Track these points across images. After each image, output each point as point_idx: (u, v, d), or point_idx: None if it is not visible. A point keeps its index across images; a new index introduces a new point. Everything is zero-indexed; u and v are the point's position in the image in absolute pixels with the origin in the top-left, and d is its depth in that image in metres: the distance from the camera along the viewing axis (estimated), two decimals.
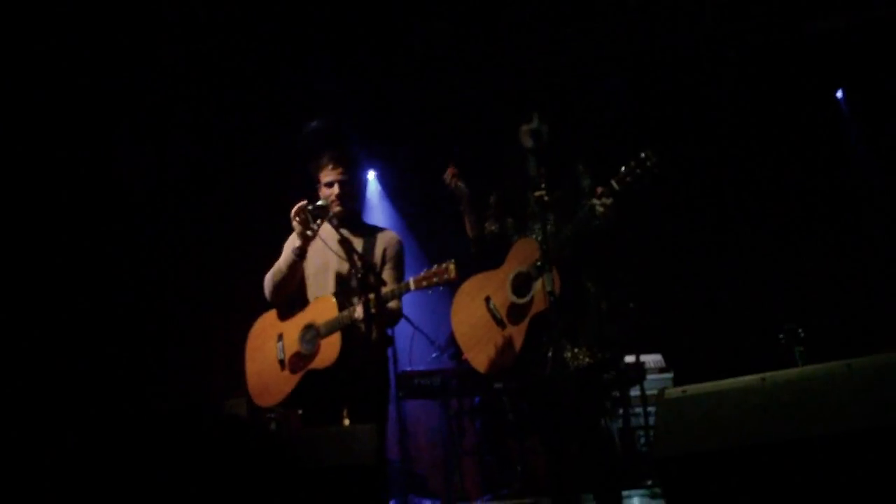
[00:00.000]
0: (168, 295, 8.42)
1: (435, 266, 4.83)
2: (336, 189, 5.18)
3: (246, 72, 8.14)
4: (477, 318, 5.09)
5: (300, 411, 5.27)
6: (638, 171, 4.53)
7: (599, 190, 4.65)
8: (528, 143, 4.84)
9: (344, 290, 5.11)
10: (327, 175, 5.21)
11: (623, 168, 4.58)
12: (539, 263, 4.74)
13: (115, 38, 7.34)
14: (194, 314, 8.49)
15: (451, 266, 4.79)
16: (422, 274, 4.87)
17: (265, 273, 5.28)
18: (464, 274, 5.01)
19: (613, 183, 4.59)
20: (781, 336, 6.38)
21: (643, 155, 4.54)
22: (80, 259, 7.68)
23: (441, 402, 7.79)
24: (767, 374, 3.13)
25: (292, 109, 8.50)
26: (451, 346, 7.69)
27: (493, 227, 5.21)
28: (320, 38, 7.94)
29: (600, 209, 4.61)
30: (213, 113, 8.41)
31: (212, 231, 8.65)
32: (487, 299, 5.05)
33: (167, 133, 8.40)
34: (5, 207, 7.17)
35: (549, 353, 4.70)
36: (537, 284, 4.76)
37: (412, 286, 4.88)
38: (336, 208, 5.17)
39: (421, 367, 7.81)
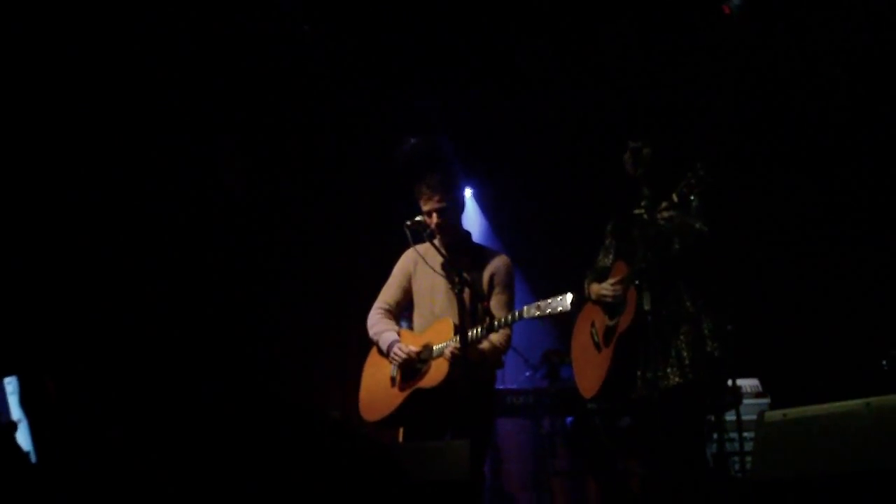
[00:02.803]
0: (268, 309, 8.55)
1: (551, 298, 4.81)
2: (435, 218, 5.20)
3: (349, 86, 8.23)
4: (584, 342, 5.14)
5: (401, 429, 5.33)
6: (694, 181, 4.48)
7: (663, 205, 4.63)
8: (629, 165, 4.83)
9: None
10: (426, 203, 5.23)
11: (682, 181, 4.54)
12: (619, 280, 4.74)
13: (223, 53, 7.51)
14: (291, 329, 8.60)
15: (567, 299, 4.75)
16: (536, 304, 4.85)
17: (369, 290, 5.38)
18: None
19: (673, 196, 4.56)
20: (884, 362, 6.23)
21: (697, 165, 4.50)
22: (188, 266, 7.86)
23: (533, 422, 7.77)
24: (872, 399, 3.07)
25: (394, 123, 8.59)
26: (545, 365, 7.69)
27: (606, 261, 5.20)
28: (422, 53, 8.01)
29: (662, 223, 4.58)
30: (318, 128, 8.53)
31: (317, 245, 8.77)
32: (592, 324, 5.07)
33: (273, 147, 8.54)
34: (114, 221, 7.38)
35: (638, 374, 4.67)
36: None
37: (525, 315, 4.87)
38: (437, 237, 5.20)
39: (514, 386, 7.81)
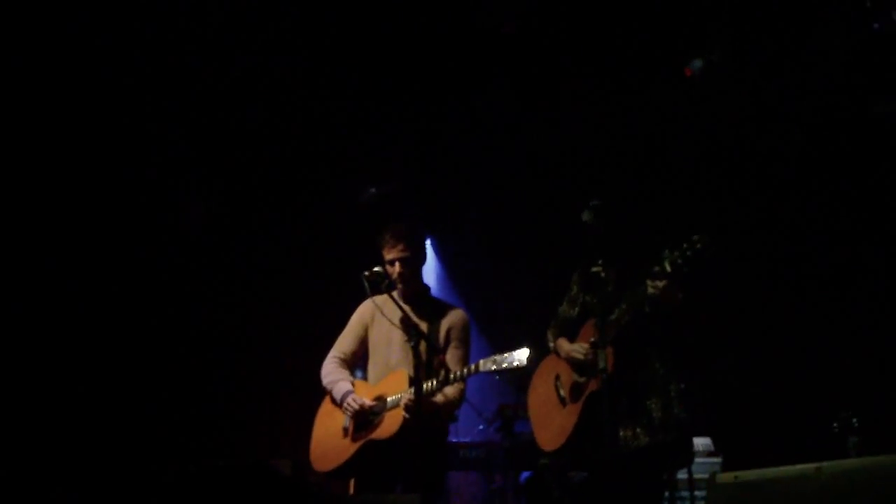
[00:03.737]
0: (219, 354, 8.47)
1: (507, 353, 4.78)
2: (397, 268, 5.19)
3: (311, 133, 8.24)
4: (545, 395, 5.11)
5: (352, 480, 5.28)
6: (689, 253, 4.50)
7: (656, 269, 4.63)
8: (588, 217, 4.84)
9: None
10: (389, 252, 5.21)
11: (676, 251, 4.54)
12: (593, 340, 4.72)
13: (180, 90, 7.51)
14: (241, 375, 8.53)
15: (524, 354, 4.72)
16: (492, 357, 4.82)
17: (321, 337, 5.35)
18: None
19: (666, 265, 4.56)
20: (835, 425, 6.26)
21: (695, 237, 4.51)
22: (125, 311, 7.79)
23: (485, 476, 7.73)
24: (823, 464, 3.08)
25: (354, 170, 8.60)
26: (499, 419, 7.66)
27: (572, 312, 5.20)
28: (385, 103, 8.04)
29: (652, 290, 4.59)
30: (279, 175, 8.52)
31: (273, 291, 8.72)
32: (557, 377, 5.06)
33: (233, 191, 8.52)
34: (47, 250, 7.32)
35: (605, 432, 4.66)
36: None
37: (481, 369, 4.84)
38: (398, 286, 5.19)
39: (467, 439, 7.77)
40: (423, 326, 5.06)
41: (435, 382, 4.87)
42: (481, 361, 4.83)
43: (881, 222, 8.34)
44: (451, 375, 4.91)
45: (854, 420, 6.23)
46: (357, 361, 5.40)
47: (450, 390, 5.04)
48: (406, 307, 5.03)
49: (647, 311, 4.69)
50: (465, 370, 4.90)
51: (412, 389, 4.75)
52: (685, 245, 4.51)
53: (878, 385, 7.80)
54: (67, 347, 7.37)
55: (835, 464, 3.09)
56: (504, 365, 4.75)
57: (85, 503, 3.77)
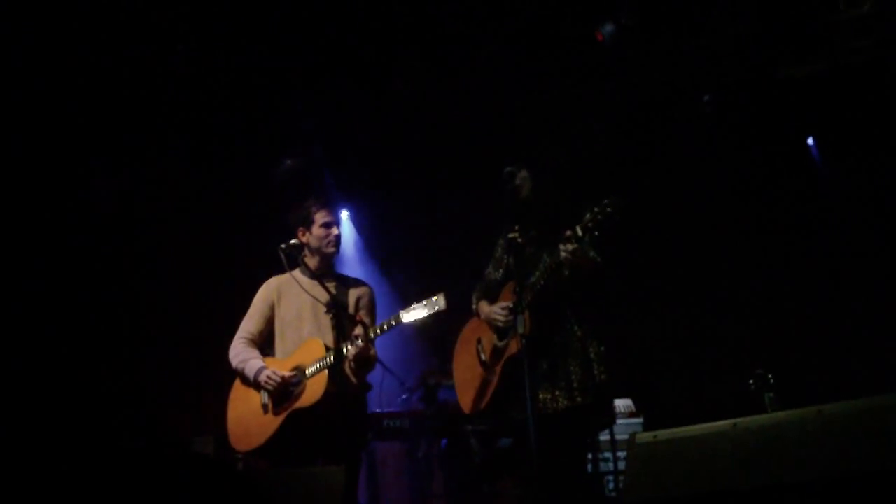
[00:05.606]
0: (137, 327, 8.34)
1: (426, 300, 4.84)
2: (335, 230, 5.25)
3: (224, 104, 8.10)
4: (468, 359, 5.13)
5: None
6: (600, 217, 4.51)
7: (567, 234, 4.65)
8: (505, 183, 4.84)
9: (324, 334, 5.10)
10: (326, 216, 5.26)
11: (587, 214, 4.56)
12: (511, 306, 4.73)
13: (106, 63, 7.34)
14: (163, 349, 8.40)
15: (441, 298, 4.81)
16: (412, 306, 4.86)
17: (237, 311, 5.29)
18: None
19: (578, 229, 4.58)
20: (751, 381, 6.37)
21: (606, 201, 4.53)
22: (54, 284, 7.63)
23: (410, 445, 7.73)
24: (739, 420, 3.12)
25: (267, 141, 8.50)
26: (421, 388, 7.66)
27: (495, 275, 5.21)
28: (298, 70, 7.93)
29: (564, 254, 4.60)
30: (189, 144, 8.37)
31: (184, 265, 8.59)
32: (479, 341, 5.06)
33: (146, 157, 8.35)
34: None
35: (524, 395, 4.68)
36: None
37: (402, 319, 4.87)
38: (331, 249, 5.24)
39: (391, 409, 7.75)
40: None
41: (358, 342, 4.89)
42: (401, 312, 4.88)
43: (788, 181, 8.52)
44: (372, 331, 4.92)
45: (769, 377, 6.33)
46: (264, 341, 5.36)
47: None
48: (314, 281, 5.03)
49: (565, 275, 4.71)
50: (385, 324, 4.95)
51: (359, 341, 4.83)
52: (596, 209, 4.52)
53: (792, 342, 7.98)
54: None
55: (750, 419, 3.14)
56: (425, 312, 4.80)
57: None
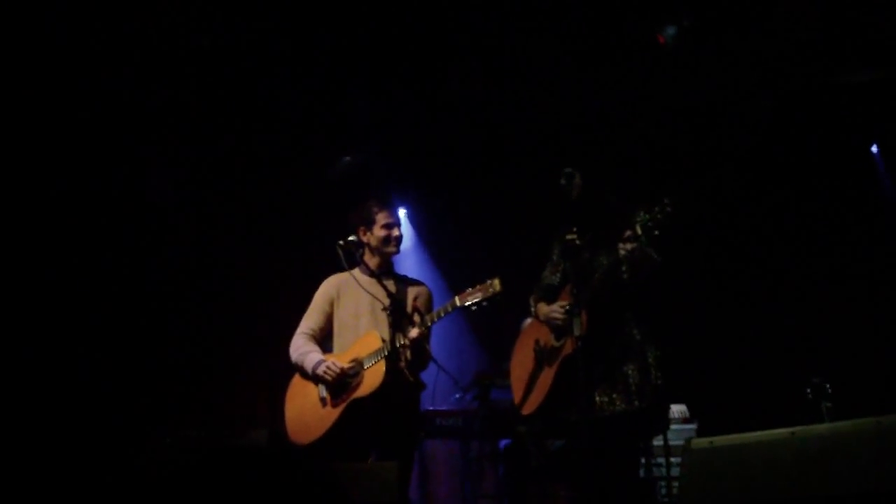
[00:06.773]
0: (194, 325, 8.42)
1: (479, 285, 4.85)
2: (396, 231, 5.32)
3: (282, 100, 8.16)
4: (525, 359, 5.15)
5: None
6: (660, 216, 4.52)
7: (627, 233, 4.65)
8: (562, 185, 4.85)
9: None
10: (387, 217, 5.33)
11: (646, 214, 4.56)
12: (568, 307, 4.74)
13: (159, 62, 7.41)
14: (217, 347, 8.49)
15: (496, 281, 4.81)
16: (467, 290, 4.87)
17: (295, 308, 5.35)
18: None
19: (637, 227, 4.58)
20: (808, 390, 6.31)
21: (665, 200, 4.53)
22: (106, 282, 7.73)
23: (462, 444, 7.73)
24: (797, 429, 3.10)
25: (325, 140, 8.55)
26: (475, 388, 7.66)
27: (553, 278, 5.21)
28: (358, 70, 7.97)
29: (623, 253, 4.60)
30: (246, 140, 8.44)
31: (244, 263, 8.66)
32: (536, 341, 5.07)
33: (200, 159, 8.43)
34: (28, 227, 7.24)
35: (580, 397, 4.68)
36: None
37: (458, 303, 4.89)
38: (391, 249, 5.31)
39: (444, 407, 7.77)
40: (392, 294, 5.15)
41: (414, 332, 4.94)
42: (456, 297, 4.91)
43: (851, 189, 8.40)
44: (429, 318, 4.98)
45: (827, 386, 6.27)
46: (324, 337, 5.43)
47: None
48: (373, 280, 5.08)
49: (624, 275, 4.71)
50: (442, 310, 4.98)
51: (414, 329, 4.93)
52: (656, 208, 4.52)
53: (850, 351, 7.87)
54: (38, 321, 7.30)
55: (808, 428, 3.11)
56: (480, 295, 4.80)
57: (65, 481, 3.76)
